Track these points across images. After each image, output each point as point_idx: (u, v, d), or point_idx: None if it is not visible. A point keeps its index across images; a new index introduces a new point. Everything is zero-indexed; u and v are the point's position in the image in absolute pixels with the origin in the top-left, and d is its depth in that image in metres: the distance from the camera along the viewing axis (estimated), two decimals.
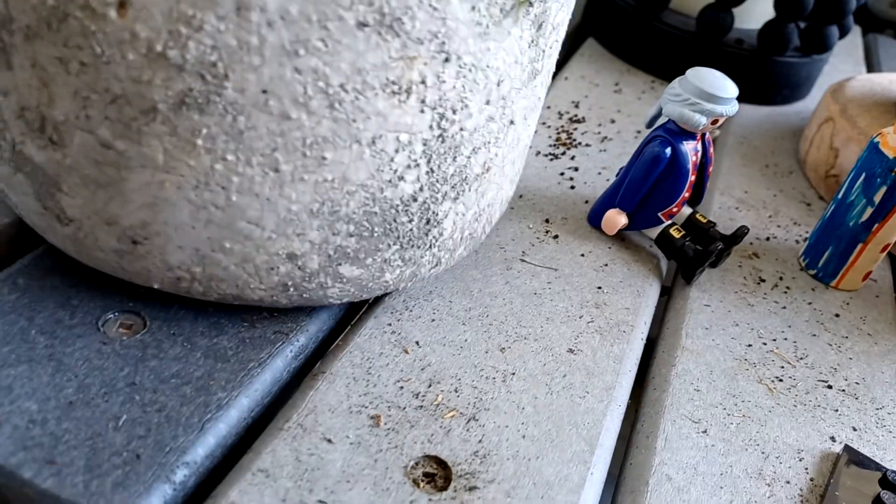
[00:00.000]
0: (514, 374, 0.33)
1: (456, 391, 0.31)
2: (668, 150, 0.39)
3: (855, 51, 0.81)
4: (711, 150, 0.41)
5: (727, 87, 0.38)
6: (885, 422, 0.36)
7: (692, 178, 0.40)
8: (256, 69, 0.24)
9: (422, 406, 0.30)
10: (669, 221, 0.41)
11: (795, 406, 0.35)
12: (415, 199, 0.28)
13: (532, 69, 0.29)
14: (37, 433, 0.26)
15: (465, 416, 0.30)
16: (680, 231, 0.41)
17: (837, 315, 0.42)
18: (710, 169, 0.42)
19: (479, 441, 0.30)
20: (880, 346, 0.40)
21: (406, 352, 0.33)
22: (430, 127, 0.27)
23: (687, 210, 0.43)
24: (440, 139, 0.27)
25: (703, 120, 0.38)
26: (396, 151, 0.27)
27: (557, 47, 0.32)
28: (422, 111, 0.26)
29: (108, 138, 0.25)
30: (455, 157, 0.28)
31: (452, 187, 0.29)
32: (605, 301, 0.38)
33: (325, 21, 0.23)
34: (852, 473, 0.32)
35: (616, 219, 0.41)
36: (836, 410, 0.36)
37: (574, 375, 0.33)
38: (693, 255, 0.40)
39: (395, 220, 0.29)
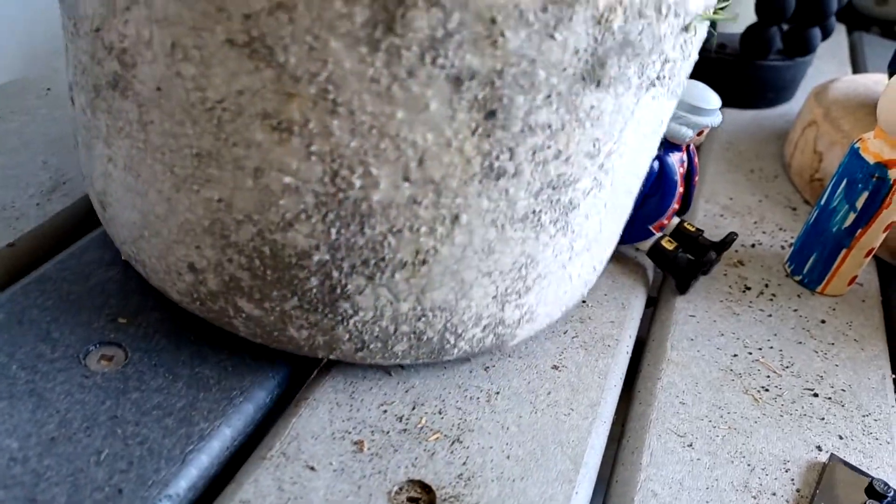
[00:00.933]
0: (498, 393, 0.33)
1: (440, 413, 0.31)
2: (656, 165, 0.39)
3: (840, 50, 0.81)
4: (696, 159, 0.41)
5: (710, 99, 0.38)
6: (872, 429, 0.36)
7: (680, 189, 0.40)
8: (150, 64, 0.24)
9: (405, 429, 0.30)
10: (661, 234, 0.41)
11: (781, 416, 0.35)
12: (310, 256, 0.26)
13: (488, 165, 0.25)
14: (18, 471, 0.26)
15: (450, 439, 0.30)
16: (672, 242, 0.41)
17: (823, 321, 0.42)
18: (696, 178, 0.42)
19: (464, 463, 0.30)
20: (867, 351, 0.40)
21: (389, 374, 0.33)
22: (323, 180, 0.24)
23: (675, 219, 0.43)
24: (337, 199, 0.25)
25: (690, 133, 0.38)
26: (283, 192, 0.25)
27: (553, 159, 0.26)
28: (309, 158, 0.24)
29: (83, 104, 0.28)
30: (363, 228, 0.25)
31: (364, 262, 0.26)
32: (589, 315, 0.38)
33: (199, 30, 0.23)
34: (838, 483, 0.32)
35: None
36: (823, 419, 0.36)
37: (559, 393, 0.33)
38: (687, 265, 0.40)
39: (289, 271, 0.27)
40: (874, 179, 0.40)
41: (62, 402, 0.29)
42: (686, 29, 0.26)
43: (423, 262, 0.26)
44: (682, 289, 0.41)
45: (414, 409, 0.31)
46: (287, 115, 0.23)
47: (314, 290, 0.27)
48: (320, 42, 0.22)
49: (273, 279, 0.27)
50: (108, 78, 0.26)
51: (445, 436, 0.30)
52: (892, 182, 0.39)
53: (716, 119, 0.39)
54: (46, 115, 0.44)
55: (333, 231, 0.25)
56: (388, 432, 0.30)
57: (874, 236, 0.41)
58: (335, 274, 0.26)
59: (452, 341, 0.30)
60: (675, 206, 0.41)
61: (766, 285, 0.44)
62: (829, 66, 0.76)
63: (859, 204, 0.41)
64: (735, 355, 0.38)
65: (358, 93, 0.23)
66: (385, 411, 0.31)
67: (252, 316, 0.28)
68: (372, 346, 0.29)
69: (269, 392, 0.31)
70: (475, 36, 0.22)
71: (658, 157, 0.39)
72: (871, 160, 0.40)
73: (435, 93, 0.23)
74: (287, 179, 0.24)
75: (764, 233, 0.48)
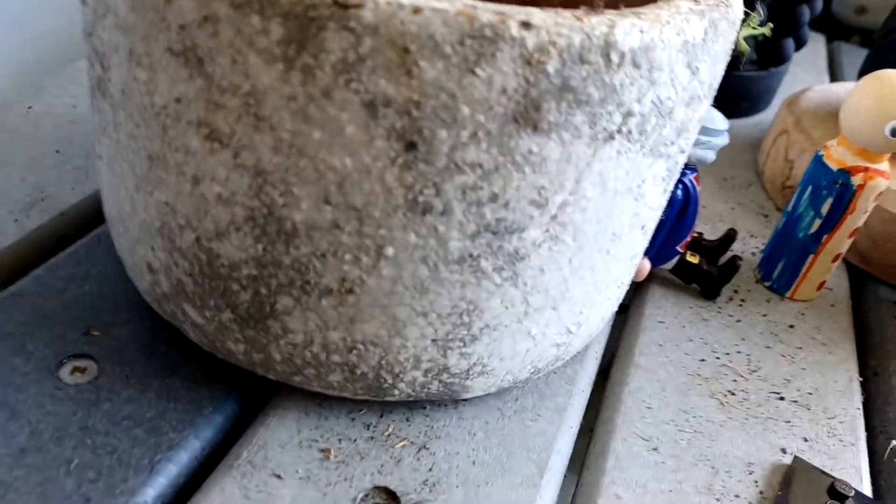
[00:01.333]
0: (466, 399, 0.33)
1: (407, 420, 0.32)
2: (681, 191, 0.40)
3: (818, 60, 0.82)
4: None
5: (719, 119, 0.39)
6: (837, 431, 0.36)
7: (702, 205, 0.41)
8: (118, 68, 0.25)
9: (372, 437, 0.31)
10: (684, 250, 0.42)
11: (747, 419, 0.36)
12: (240, 269, 0.26)
13: (412, 198, 0.24)
14: None
15: (416, 445, 0.31)
16: (694, 256, 0.42)
17: (792, 326, 0.42)
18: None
19: (429, 469, 0.30)
20: (835, 355, 0.41)
21: None
22: (249, 194, 0.24)
23: None
24: (263, 214, 0.25)
25: (713, 155, 0.39)
26: (216, 202, 0.25)
27: (489, 201, 0.24)
28: (237, 169, 0.24)
29: (89, 102, 0.30)
30: (288, 248, 0.25)
31: (290, 283, 0.26)
32: None
33: (147, 38, 0.23)
34: (802, 485, 0.33)
35: (643, 266, 0.42)
36: (788, 422, 0.36)
37: (526, 398, 0.34)
38: (719, 274, 0.42)
39: (223, 282, 0.27)
40: (838, 186, 0.40)
41: (34, 413, 0.29)
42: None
43: (350, 290, 0.26)
44: (714, 296, 0.43)
45: (382, 416, 0.32)
46: (216, 126, 0.23)
47: (246, 305, 0.27)
48: (241, 56, 0.22)
49: (210, 288, 0.27)
50: (96, 80, 0.28)
51: (412, 442, 0.31)
52: (854, 188, 0.40)
53: (726, 138, 0.39)
54: (27, 132, 0.45)
55: (260, 246, 0.25)
56: (355, 440, 0.31)
57: (840, 242, 0.42)
58: (263, 291, 0.26)
59: (390, 381, 0.29)
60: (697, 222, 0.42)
61: (736, 291, 0.44)
62: (807, 75, 0.77)
63: (824, 210, 0.41)
64: (703, 360, 0.39)
65: (277, 109, 0.22)
66: (353, 419, 0.31)
67: (197, 323, 0.29)
68: (306, 372, 0.29)
69: (239, 402, 0.32)
70: (388, 63, 0.21)
71: (680, 183, 0.40)
72: (835, 167, 0.41)
73: (351, 117, 0.22)
74: (218, 189, 0.25)
75: (736, 240, 0.49)
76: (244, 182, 0.24)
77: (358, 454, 0.30)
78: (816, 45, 0.86)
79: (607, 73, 0.23)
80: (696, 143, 0.39)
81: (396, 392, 0.30)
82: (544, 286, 0.28)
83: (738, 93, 0.63)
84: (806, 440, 0.36)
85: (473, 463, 0.31)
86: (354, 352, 0.28)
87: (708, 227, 0.49)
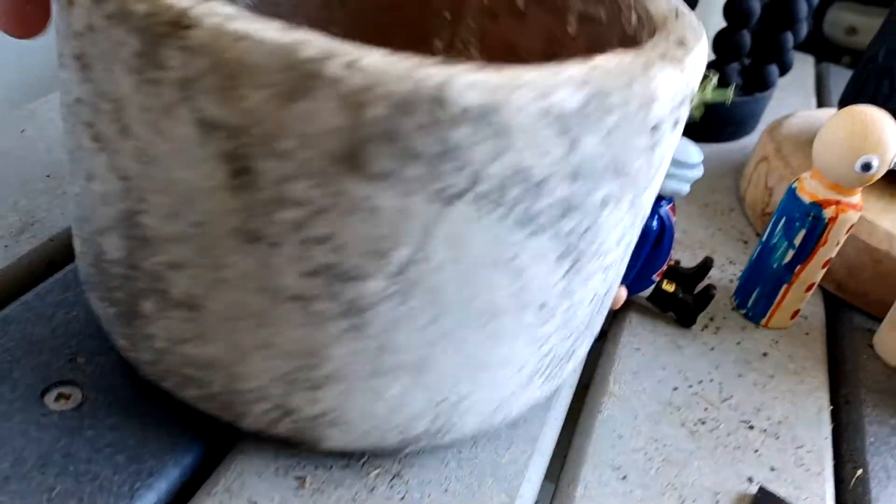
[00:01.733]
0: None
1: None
2: (656, 222, 0.41)
3: (806, 82, 0.83)
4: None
5: (694, 152, 0.40)
6: (804, 460, 0.37)
7: (676, 234, 0.42)
8: (59, 69, 0.27)
9: (348, 465, 0.32)
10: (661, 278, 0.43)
11: (716, 448, 0.37)
12: (116, 267, 0.27)
13: (242, 224, 0.24)
14: None
15: (390, 473, 0.32)
16: (671, 284, 0.43)
17: (765, 354, 0.43)
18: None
19: (402, 498, 0.31)
20: (806, 383, 0.42)
21: None
22: (120, 196, 0.26)
23: None
24: (128, 218, 0.26)
25: (687, 188, 0.40)
26: (101, 199, 0.27)
27: (321, 242, 0.24)
28: (111, 170, 0.26)
29: None
30: (147, 255, 0.26)
31: (150, 290, 0.27)
32: None
33: (62, 40, 0.26)
34: None
35: (619, 294, 0.42)
36: (756, 451, 0.37)
37: (500, 427, 0.35)
38: (695, 303, 0.43)
39: (106, 278, 0.28)
40: (810, 218, 0.41)
41: (18, 440, 0.30)
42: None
43: (196, 307, 0.26)
44: (689, 324, 0.44)
45: None
46: (100, 128, 0.25)
47: (121, 303, 0.28)
48: (110, 64, 0.23)
49: (99, 282, 0.29)
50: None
51: (387, 470, 0.32)
52: (826, 221, 0.41)
53: (701, 171, 0.40)
54: (21, 156, 0.46)
55: (127, 249, 0.27)
56: (330, 468, 0.32)
57: (813, 272, 0.43)
58: (131, 292, 0.28)
59: (240, 408, 0.29)
60: (673, 251, 0.43)
61: (712, 318, 0.45)
62: (793, 98, 0.78)
63: (797, 241, 0.42)
64: (675, 388, 0.40)
65: (137, 118, 0.24)
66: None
67: (98, 314, 0.31)
68: (170, 380, 0.29)
69: (219, 430, 0.33)
70: (216, 86, 0.22)
71: (655, 214, 0.41)
72: (807, 199, 0.42)
73: (189, 134, 0.23)
74: (101, 188, 0.26)
75: (714, 266, 0.50)
76: (117, 185, 0.25)
77: (333, 482, 0.31)
78: (805, 66, 0.87)
79: (441, 128, 0.21)
80: (670, 176, 0.39)
81: (248, 420, 0.29)
82: (396, 346, 0.26)
83: (723, 117, 0.64)
84: (773, 469, 0.36)
85: (445, 491, 0.32)
86: (206, 371, 0.28)
87: (687, 253, 0.50)
